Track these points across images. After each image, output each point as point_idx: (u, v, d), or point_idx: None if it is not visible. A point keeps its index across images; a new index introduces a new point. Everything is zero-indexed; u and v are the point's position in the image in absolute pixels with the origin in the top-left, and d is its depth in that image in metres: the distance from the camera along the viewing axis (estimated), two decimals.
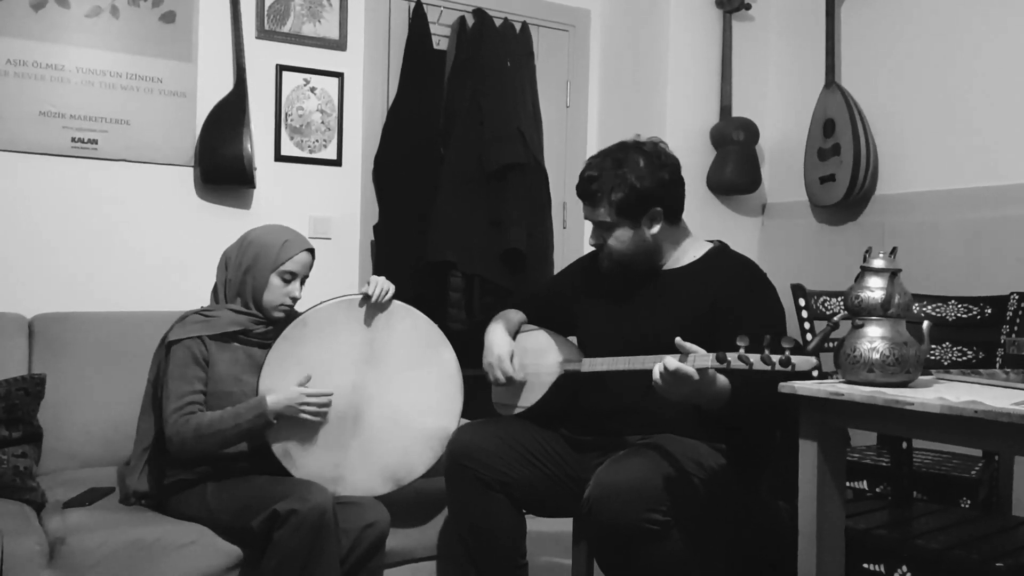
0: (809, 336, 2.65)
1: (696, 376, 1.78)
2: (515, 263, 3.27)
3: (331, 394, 2.17)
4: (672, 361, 1.80)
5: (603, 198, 2.08)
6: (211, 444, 2.11)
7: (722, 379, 1.87)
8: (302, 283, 2.31)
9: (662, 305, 2.12)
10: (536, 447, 2.15)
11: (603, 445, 2.13)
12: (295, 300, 2.30)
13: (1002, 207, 2.85)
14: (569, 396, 2.21)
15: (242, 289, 2.27)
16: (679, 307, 2.09)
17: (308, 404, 2.14)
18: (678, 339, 1.82)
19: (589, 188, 2.10)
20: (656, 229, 2.11)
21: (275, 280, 2.26)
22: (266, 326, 2.28)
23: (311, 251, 2.32)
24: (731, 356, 1.75)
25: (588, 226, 3.72)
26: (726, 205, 3.69)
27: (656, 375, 1.82)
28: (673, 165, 2.13)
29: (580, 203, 3.69)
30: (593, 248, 2.21)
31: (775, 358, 1.71)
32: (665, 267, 2.18)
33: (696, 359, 1.80)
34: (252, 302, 2.27)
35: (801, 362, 1.71)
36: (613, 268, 2.17)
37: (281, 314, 2.28)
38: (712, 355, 1.78)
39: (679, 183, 2.15)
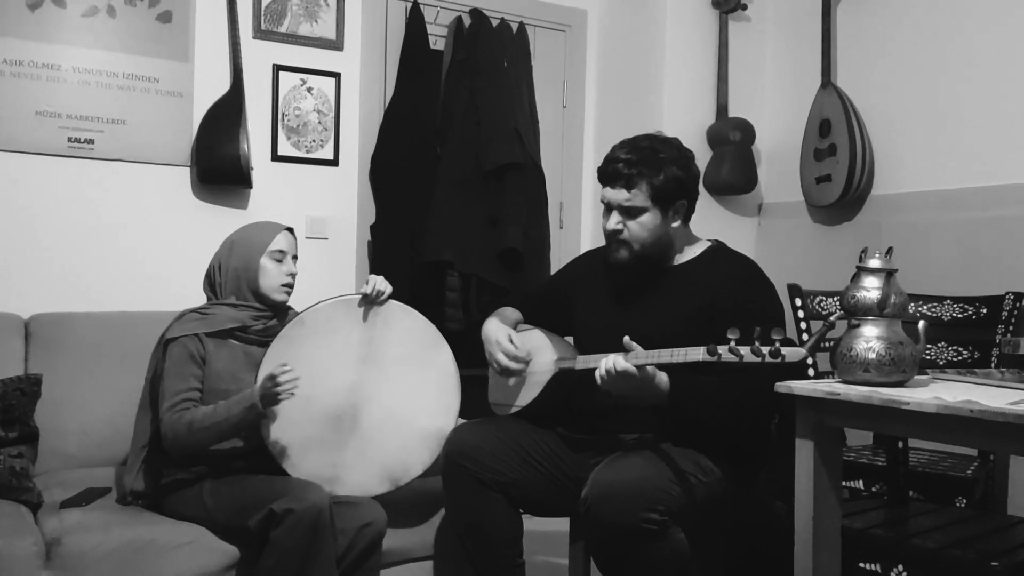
0: (805, 336, 2.65)
1: (635, 372, 1.85)
2: (512, 263, 3.28)
3: (292, 369, 2.08)
4: (613, 361, 1.87)
5: (641, 181, 2.05)
6: (204, 439, 2.11)
7: (662, 377, 1.92)
8: (294, 261, 2.34)
9: (661, 302, 2.13)
10: (533, 446, 2.15)
11: (600, 444, 2.13)
12: (293, 276, 2.32)
13: (997, 207, 2.86)
14: (565, 395, 2.21)
15: (238, 286, 2.27)
16: (678, 304, 2.09)
17: (273, 383, 2.07)
18: (626, 338, 1.88)
19: (625, 170, 2.06)
20: (677, 224, 2.13)
21: (268, 263, 2.27)
22: (266, 321, 2.29)
23: (291, 230, 2.35)
24: (722, 349, 1.76)
25: (587, 225, 3.84)
26: (722, 205, 3.69)
27: (600, 370, 1.89)
28: (696, 166, 2.16)
29: (577, 203, 3.79)
30: (608, 235, 2.12)
31: (765, 349, 1.71)
32: (664, 265, 2.18)
33: (688, 353, 1.82)
34: (251, 294, 2.28)
35: (791, 353, 1.71)
36: (627, 259, 2.12)
37: (284, 295, 2.31)
38: (703, 348, 1.78)
39: (698, 185, 2.18)
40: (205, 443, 2.12)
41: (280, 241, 2.30)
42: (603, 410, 2.16)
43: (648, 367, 1.87)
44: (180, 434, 2.10)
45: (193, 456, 2.16)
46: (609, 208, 2.11)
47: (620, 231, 2.09)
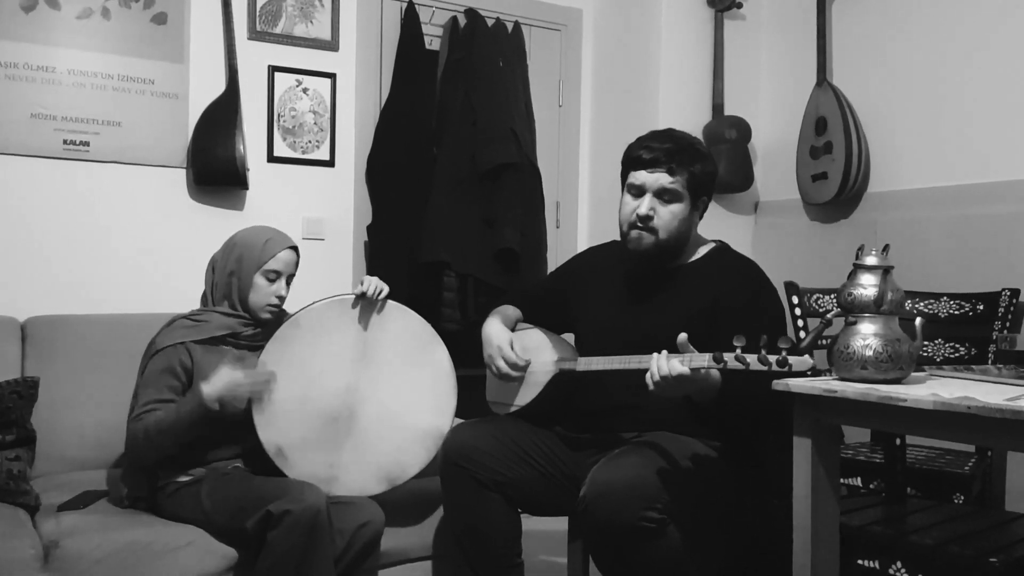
0: (803, 334, 2.66)
1: (689, 374, 1.79)
2: (509, 263, 3.28)
3: (271, 372, 2.12)
4: (666, 363, 1.81)
5: (683, 168, 2.06)
6: (162, 443, 2.09)
7: (714, 373, 1.88)
8: (288, 282, 2.31)
9: (664, 302, 2.13)
10: (531, 446, 2.15)
11: (598, 443, 2.13)
12: (282, 299, 2.29)
13: (993, 204, 2.86)
14: (564, 395, 2.21)
15: (228, 291, 2.26)
16: (680, 305, 2.09)
17: (244, 384, 2.08)
18: (682, 336, 1.81)
19: (666, 157, 2.06)
20: (698, 219, 2.15)
21: (260, 280, 2.25)
22: (255, 328, 2.28)
23: (295, 248, 2.32)
24: (728, 356, 1.76)
25: (583, 225, 3.84)
26: (719, 203, 3.69)
27: (655, 374, 1.82)
28: None
29: (574, 202, 3.80)
30: (637, 220, 2.08)
31: (772, 358, 1.72)
32: (667, 265, 2.18)
33: (693, 359, 1.80)
34: (239, 304, 2.26)
35: (798, 362, 1.72)
36: (650, 247, 2.10)
37: (269, 315, 2.28)
38: (709, 355, 1.78)
39: None
40: (165, 448, 2.11)
41: (279, 260, 2.27)
42: (603, 409, 2.16)
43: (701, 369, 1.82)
44: (139, 441, 2.10)
45: (190, 459, 2.16)
46: (641, 192, 2.09)
47: (652, 216, 2.08)
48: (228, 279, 2.26)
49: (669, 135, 2.13)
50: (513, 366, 2.20)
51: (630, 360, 1.98)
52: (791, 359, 1.71)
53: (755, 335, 1.74)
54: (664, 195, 2.07)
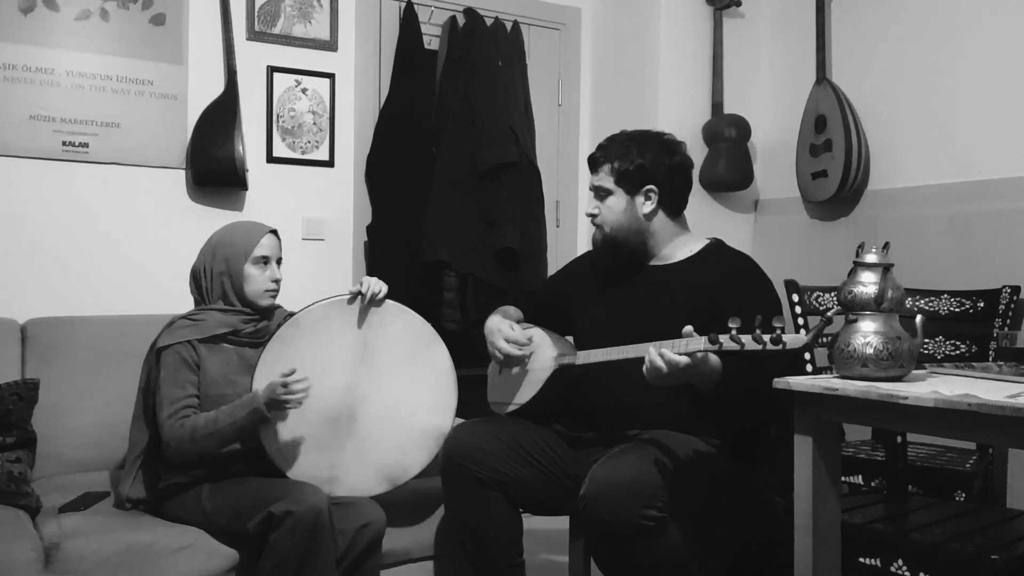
0: (803, 332, 2.65)
1: (687, 361, 1.79)
2: (509, 262, 3.28)
3: (306, 378, 2.10)
4: (661, 349, 1.82)
5: (605, 163, 2.19)
6: (208, 445, 2.11)
7: (714, 359, 1.88)
8: (279, 264, 2.33)
9: (659, 301, 2.13)
10: (532, 445, 2.15)
11: (599, 441, 2.13)
12: (278, 282, 2.30)
13: (993, 201, 2.86)
14: (565, 391, 2.21)
15: (224, 292, 2.26)
16: (676, 302, 2.09)
17: (285, 390, 2.07)
18: (688, 328, 1.81)
19: (596, 154, 2.22)
20: (649, 209, 2.17)
21: (252, 270, 2.26)
22: (256, 323, 2.28)
23: (275, 232, 2.34)
24: (723, 337, 1.76)
25: (583, 224, 3.85)
26: (719, 202, 3.69)
27: (654, 360, 1.82)
28: (682, 157, 2.22)
29: (573, 201, 3.81)
30: (589, 235, 2.25)
31: (766, 337, 1.71)
32: (661, 263, 2.19)
33: (689, 343, 1.81)
34: (237, 299, 2.27)
35: (792, 340, 1.71)
36: (600, 242, 2.22)
37: (270, 300, 2.30)
38: (704, 337, 1.78)
39: (683, 176, 2.22)
40: (209, 449, 2.12)
41: (264, 246, 2.28)
42: (605, 406, 2.16)
43: (698, 353, 1.82)
44: (184, 442, 2.10)
45: (195, 459, 2.16)
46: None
47: (595, 214, 2.22)
48: (220, 279, 2.26)
49: (614, 136, 2.24)
50: (515, 343, 2.22)
51: (628, 349, 1.98)
52: (785, 337, 1.70)
53: (750, 317, 1.74)
54: (599, 193, 2.21)
